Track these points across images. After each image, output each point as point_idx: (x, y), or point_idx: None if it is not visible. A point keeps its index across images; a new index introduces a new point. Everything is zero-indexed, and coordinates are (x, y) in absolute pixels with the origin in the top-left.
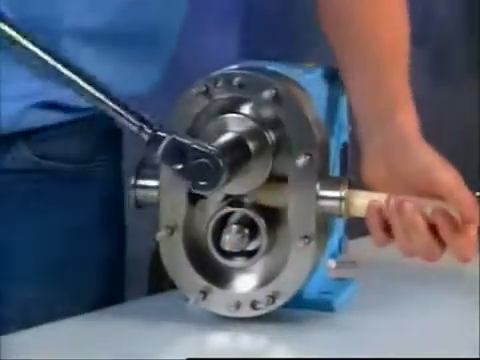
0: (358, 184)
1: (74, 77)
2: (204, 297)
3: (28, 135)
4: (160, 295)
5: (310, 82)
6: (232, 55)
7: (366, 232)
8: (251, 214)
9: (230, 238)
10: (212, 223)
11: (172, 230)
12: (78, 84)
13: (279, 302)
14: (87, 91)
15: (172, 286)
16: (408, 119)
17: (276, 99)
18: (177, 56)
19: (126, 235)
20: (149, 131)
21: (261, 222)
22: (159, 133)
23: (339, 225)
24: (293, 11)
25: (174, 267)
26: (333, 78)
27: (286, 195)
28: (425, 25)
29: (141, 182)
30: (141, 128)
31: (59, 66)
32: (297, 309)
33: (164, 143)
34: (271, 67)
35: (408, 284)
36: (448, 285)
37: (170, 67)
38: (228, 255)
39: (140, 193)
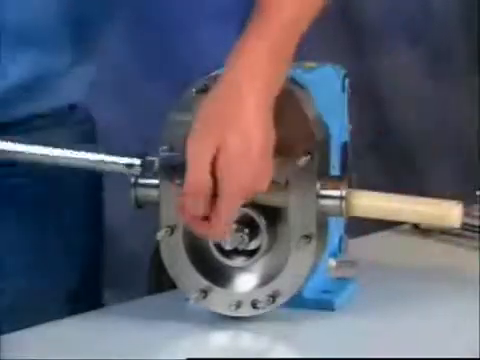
0: (358, 184)
1: (53, 155)
2: (204, 296)
3: (10, 128)
4: (160, 295)
5: (310, 81)
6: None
7: (366, 232)
8: (251, 213)
9: (230, 237)
10: None
11: (172, 229)
12: (58, 159)
13: (279, 301)
14: (66, 159)
15: (172, 285)
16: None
17: (277, 98)
18: (177, 53)
19: (104, 228)
20: (138, 162)
21: (261, 221)
22: (149, 158)
23: (339, 225)
24: None
25: (174, 266)
26: (333, 78)
27: (286, 194)
28: (425, 24)
29: (141, 181)
30: (129, 165)
31: (40, 153)
32: (297, 309)
33: (156, 164)
34: None
35: (408, 284)
36: (448, 285)
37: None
38: (228, 254)
39: (140, 192)
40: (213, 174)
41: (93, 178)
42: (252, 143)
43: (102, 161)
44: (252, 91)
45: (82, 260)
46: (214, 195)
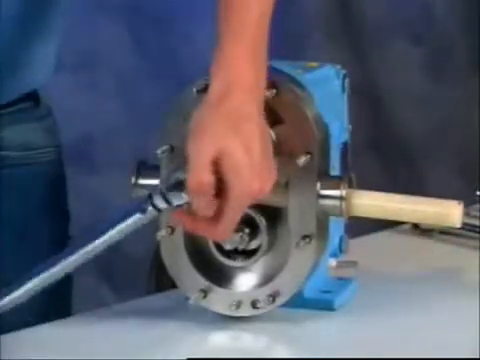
0: (358, 183)
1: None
2: (204, 296)
3: None
4: (160, 295)
5: (310, 81)
6: None
7: (366, 232)
8: (251, 213)
9: (230, 237)
10: None
11: (173, 229)
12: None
13: (279, 301)
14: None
15: (172, 285)
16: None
17: (276, 98)
18: (177, 53)
19: (69, 220)
20: (149, 205)
21: (261, 221)
22: (154, 194)
23: (339, 225)
24: (294, 10)
25: (175, 266)
26: (333, 78)
27: (286, 194)
28: (425, 25)
29: (142, 181)
30: (143, 210)
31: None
32: (297, 308)
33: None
34: (271, 66)
35: (408, 284)
36: (448, 285)
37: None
38: (228, 254)
39: (141, 192)
40: (216, 175)
41: (54, 162)
42: (254, 146)
43: (121, 231)
44: (242, 98)
45: (47, 250)
46: (218, 196)
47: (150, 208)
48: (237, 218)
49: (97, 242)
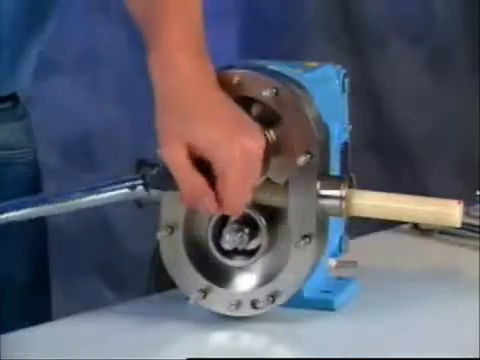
0: (358, 183)
1: (63, 205)
2: (204, 296)
3: None
4: (160, 295)
5: (310, 81)
6: (232, 53)
7: (366, 232)
8: (251, 213)
9: (230, 237)
10: (212, 222)
11: (172, 229)
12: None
13: (279, 301)
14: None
15: (172, 285)
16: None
17: (276, 98)
18: None
19: (46, 221)
20: (140, 182)
21: (261, 221)
22: (148, 172)
23: (339, 225)
24: (293, 10)
25: (174, 266)
26: (333, 78)
27: (286, 194)
28: (425, 25)
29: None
30: (132, 186)
31: (50, 207)
32: (297, 308)
33: (157, 175)
34: (271, 66)
35: (408, 284)
36: (448, 285)
37: None
38: (228, 254)
39: (141, 192)
40: (199, 166)
41: (31, 162)
42: (217, 116)
43: (106, 198)
44: (184, 90)
45: (24, 251)
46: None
47: (140, 187)
48: (243, 185)
49: (75, 201)
